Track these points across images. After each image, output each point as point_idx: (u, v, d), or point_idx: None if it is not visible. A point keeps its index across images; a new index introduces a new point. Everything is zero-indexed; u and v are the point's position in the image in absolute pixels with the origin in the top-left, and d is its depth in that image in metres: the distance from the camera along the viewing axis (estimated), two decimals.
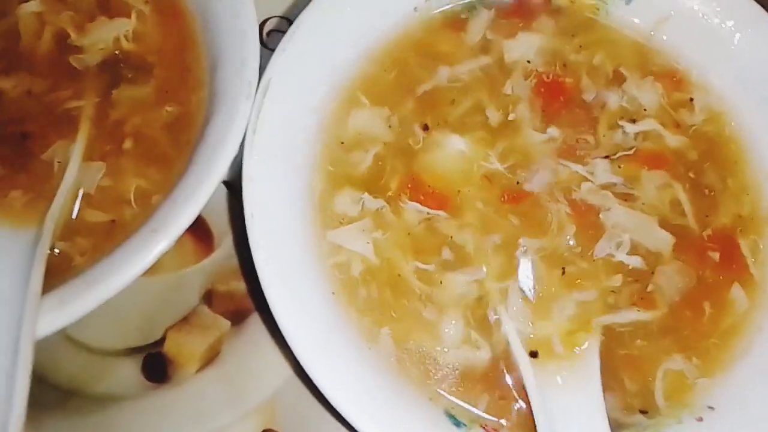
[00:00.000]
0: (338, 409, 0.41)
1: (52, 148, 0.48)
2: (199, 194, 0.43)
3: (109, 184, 0.48)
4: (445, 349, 0.46)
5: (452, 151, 0.49)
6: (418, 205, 0.48)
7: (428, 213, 0.48)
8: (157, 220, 0.43)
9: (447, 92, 0.52)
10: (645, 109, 0.52)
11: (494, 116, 0.51)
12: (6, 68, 0.50)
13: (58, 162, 0.48)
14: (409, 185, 0.48)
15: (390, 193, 0.48)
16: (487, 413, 0.44)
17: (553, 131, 0.50)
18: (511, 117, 0.51)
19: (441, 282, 0.47)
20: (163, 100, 0.50)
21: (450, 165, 0.49)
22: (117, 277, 0.41)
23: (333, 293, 0.46)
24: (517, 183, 0.49)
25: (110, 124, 0.49)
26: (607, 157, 0.50)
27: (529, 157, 0.50)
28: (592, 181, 0.49)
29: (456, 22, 0.54)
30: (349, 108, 0.51)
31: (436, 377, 0.46)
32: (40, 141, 0.48)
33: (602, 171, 0.49)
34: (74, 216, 0.47)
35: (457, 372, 0.45)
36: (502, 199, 0.48)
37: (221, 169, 0.44)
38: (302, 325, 0.43)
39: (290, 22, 0.60)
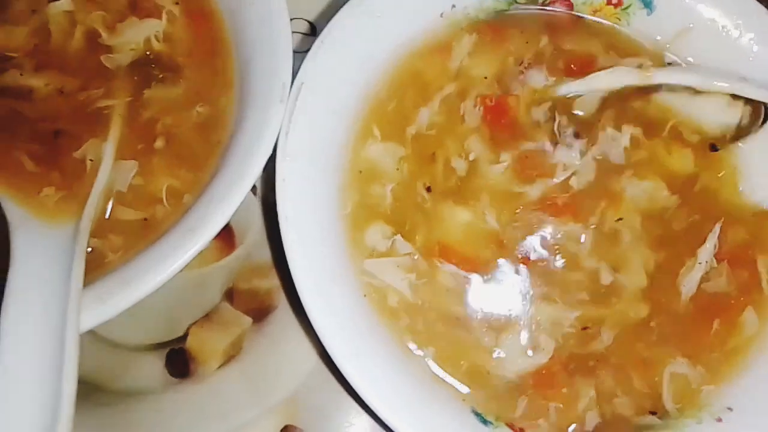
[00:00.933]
0: (367, 403, 0.42)
1: (85, 146, 0.49)
2: (234, 194, 0.44)
3: (141, 183, 0.49)
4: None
5: (461, 222, 0.50)
6: (455, 267, 0.49)
7: (465, 276, 0.49)
8: (193, 219, 0.44)
9: (427, 143, 0.52)
10: None
11: (460, 165, 0.52)
12: (37, 66, 0.51)
13: (91, 160, 0.48)
14: (437, 248, 0.49)
15: (418, 246, 0.49)
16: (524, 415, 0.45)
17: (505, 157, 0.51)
18: (471, 157, 0.52)
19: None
20: (193, 100, 0.51)
21: (465, 232, 0.50)
22: (154, 275, 0.42)
23: (365, 296, 0.47)
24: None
25: (142, 123, 0.50)
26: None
27: (503, 197, 0.51)
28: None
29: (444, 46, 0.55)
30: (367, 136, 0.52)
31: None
32: (72, 139, 0.49)
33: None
34: (107, 214, 0.47)
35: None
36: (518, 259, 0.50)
37: (256, 170, 0.44)
38: (334, 323, 0.44)
39: (311, 24, 0.62)
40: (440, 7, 0.54)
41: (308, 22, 0.62)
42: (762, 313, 0.49)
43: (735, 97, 0.51)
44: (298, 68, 0.49)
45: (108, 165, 0.48)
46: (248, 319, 0.56)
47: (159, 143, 0.50)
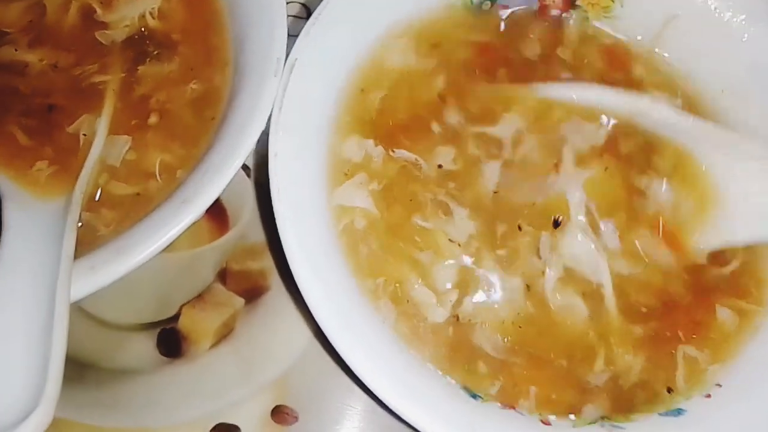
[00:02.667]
0: (361, 378, 0.42)
1: (78, 121, 0.49)
2: (227, 166, 0.44)
3: (134, 158, 0.48)
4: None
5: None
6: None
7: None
8: (186, 191, 0.44)
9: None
10: None
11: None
12: (32, 41, 0.51)
13: (84, 135, 0.48)
14: None
15: None
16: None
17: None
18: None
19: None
20: (188, 77, 0.51)
21: None
22: (147, 245, 0.42)
23: (346, 261, 0.47)
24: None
25: (135, 99, 0.50)
26: None
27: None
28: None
29: None
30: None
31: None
32: (66, 114, 0.49)
33: None
34: (99, 188, 0.47)
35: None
36: None
37: (249, 143, 0.44)
38: (325, 299, 0.43)
39: (305, 7, 0.62)
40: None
41: (301, 4, 0.63)
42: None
43: None
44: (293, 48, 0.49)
45: (101, 139, 0.48)
46: (240, 300, 0.55)
47: (153, 119, 0.50)
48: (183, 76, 0.51)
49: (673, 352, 0.48)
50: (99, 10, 0.51)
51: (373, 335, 0.45)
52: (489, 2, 0.56)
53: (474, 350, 0.47)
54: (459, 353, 0.47)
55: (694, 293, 0.49)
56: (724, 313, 0.49)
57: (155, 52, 0.51)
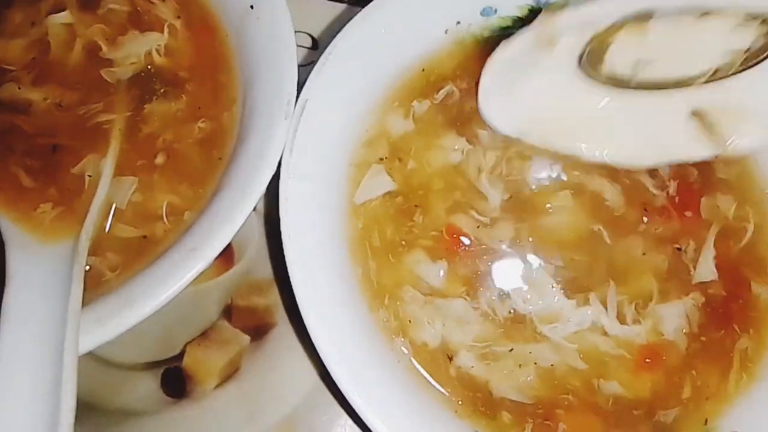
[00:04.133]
0: (368, 424, 0.41)
1: (83, 161, 0.48)
2: (237, 213, 0.43)
3: (141, 200, 0.48)
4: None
5: None
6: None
7: None
8: (194, 238, 0.43)
9: None
10: None
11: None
12: (36, 79, 0.50)
13: (89, 176, 0.48)
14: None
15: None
16: None
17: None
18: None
19: None
20: (195, 115, 0.50)
21: None
22: (155, 296, 0.41)
23: (367, 306, 0.47)
24: None
25: (142, 138, 0.49)
26: None
27: None
28: None
29: None
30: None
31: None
32: (70, 154, 0.48)
33: None
34: (106, 231, 0.46)
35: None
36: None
37: (260, 189, 0.44)
38: (336, 343, 0.43)
39: (312, 39, 0.61)
40: (445, 23, 0.54)
41: (310, 36, 0.62)
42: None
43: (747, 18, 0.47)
44: (303, 82, 0.48)
45: (107, 181, 0.47)
46: (246, 337, 0.55)
47: (159, 159, 0.49)
48: (190, 115, 0.50)
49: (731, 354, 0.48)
50: (104, 47, 0.51)
51: (386, 379, 0.44)
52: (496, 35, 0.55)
53: (495, 398, 0.46)
54: (478, 398, 0.46)
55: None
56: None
57: (162, 90, 0.50)
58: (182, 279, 0.41)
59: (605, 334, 0.48)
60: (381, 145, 0.51)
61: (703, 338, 0.48)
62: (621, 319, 0.48)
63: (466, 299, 0.48)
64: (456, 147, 0.51)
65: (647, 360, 0.48)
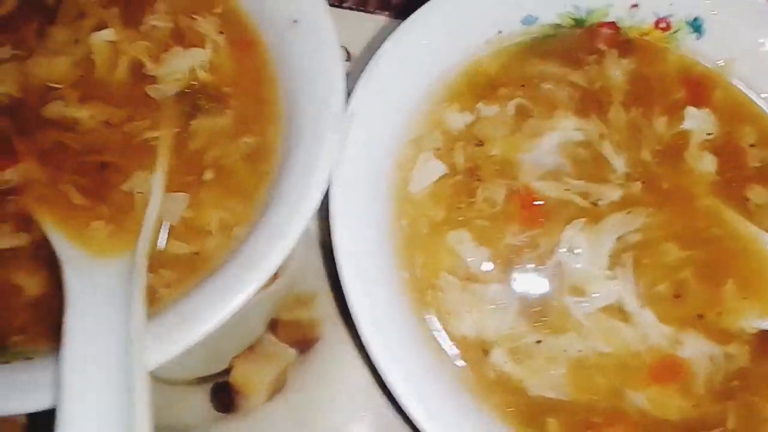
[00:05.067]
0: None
1: (132, 178, 0.48)
2: (291, 230, 0.43)
3: (191, 216, 0.48)
4: None
5: None
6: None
7: None
8: (250, 254, 0.43)
9: None
10: None
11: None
12: (82, 97, 0.50)
13: (139, 193, 0.47)
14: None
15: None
16: None
17: None
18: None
19: None
20: (240, 130, 0.50)
21: None
22: (216, 313, 0.41)
23: (424, 318, 0.46)
24: None
25: (189, 154, 0.49)
26: None
27: None
28: None
29: None
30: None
31: None
32: (119, 171, 0.48)
33: None
34: (159, 248, 0.46)
35: None
36: None
37: (312, 205, 0.44)
38: (391, 352, 0.43)
39: (345, 51, 0.61)
40: (486, 33, 0.53)
41: (344, 48, 0.62)
42: None
43: None
44: None
45: (158, 197, 0.47)
46: (293, 351, 0.55)
47: (207, 175, 0.49)
48: (236, 130, 0.50)
49: None
50: (149, 64, 0.51)
51: (440, 386, 0.44)
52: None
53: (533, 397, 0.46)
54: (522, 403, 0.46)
55: None
56: None
57: (207, 106, 0.51)
58: (241, 295, 0.41)
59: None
60: (432, 139, 0.52)
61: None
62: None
63: (501, 283, 0.49)
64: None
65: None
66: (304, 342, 0.55)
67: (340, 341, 0.56)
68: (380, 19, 0.61)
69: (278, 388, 0.54)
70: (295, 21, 0.50)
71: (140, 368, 0.37)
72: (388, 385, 0.42)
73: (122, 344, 0.38)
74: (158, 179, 0.48)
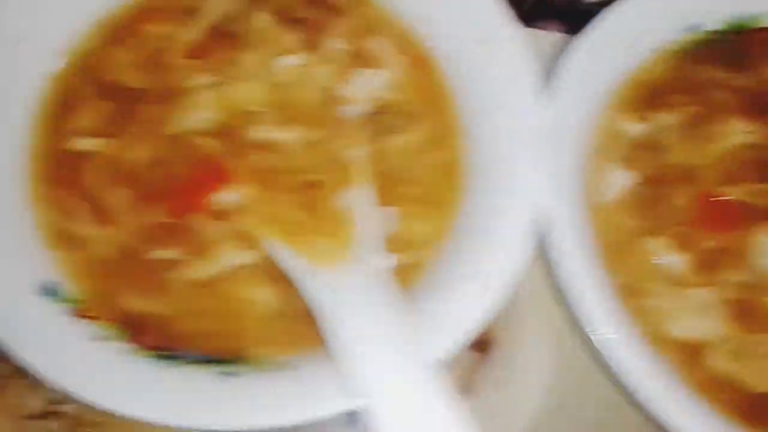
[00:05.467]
0: None
1: (340, 195, 0.50)
2: (518, 244, 0.46)
3: (399, 229, 0.50)
4: None
5: None
6: None
7: None
8: (479, 271, 0.46)
9: None
10: None
11: None
12: (281, 120, 0.52)
13: (348, 209, 0.50)
14: None
15: None
16: None
17: None
18: None
19: None
20: (431, 146, 0.53)
21: None
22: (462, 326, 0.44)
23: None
24: None
25: (386, 170, 0.52)
26: None
27: None
28: None
29: None
30: None
31: None
32: (326, 189, 0.51)
33: None
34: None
35: None
36: None
37: (523, 228, 0.47)
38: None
39: None
40: (651, 43, 0.56)
41: None
42: None
43: None
44: None
45: (368, 213, 0.49)
46: (473, 354, 0.57)
47: (406, 189, 0.51)
48: (426, 146, 0.52)
49: None
50: (336, 86, 0.53)
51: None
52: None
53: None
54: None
55: None
56: None
57: (396, 124, 0.53)
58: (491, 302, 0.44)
59: None
60: (614, 150, 0.54)
61: None
62: None
63: (707, 286, 0.50)
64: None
65: None
66: (481, 344, 0.57)
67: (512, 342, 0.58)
68: (541, 33, 0.64)
69: (459, 389, 0.56)
70: (482, 40, 0.52)
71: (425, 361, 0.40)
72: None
73: (402, 341, 0.42)
74: (365, 195, 0.50)
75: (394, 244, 0.50)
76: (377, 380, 0.40)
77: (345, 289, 0.45)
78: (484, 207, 0.49)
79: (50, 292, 0.45)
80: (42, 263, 0.46)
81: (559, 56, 0.53)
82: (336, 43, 0.55)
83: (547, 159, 0.50)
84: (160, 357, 0.44)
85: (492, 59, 0.52)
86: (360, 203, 0.50)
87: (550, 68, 0.53)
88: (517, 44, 0.51)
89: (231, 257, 0.48)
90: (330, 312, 0.43)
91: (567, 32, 0.62)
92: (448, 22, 0.54)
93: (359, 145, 0.52)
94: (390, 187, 0.51)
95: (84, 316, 0.45)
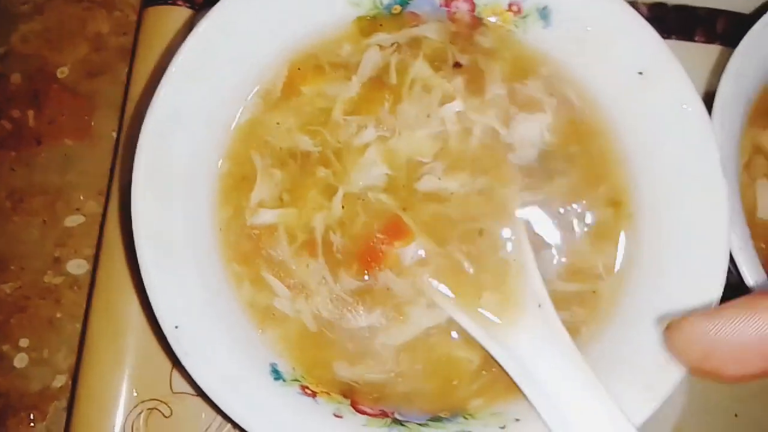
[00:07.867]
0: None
1: (507, 244, 0.53)
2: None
3: (571, 261, 0.53)
4: None
5: None
6: None
7: None
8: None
9: None
10: None
11: None
12: (447, 168, 0.54)
13: (514, 260, 0.52)
14: None
15: None
16: None
17: None
18: None
19: None
20: (592, 184, 0.54)
21: None
22: None
23: None
24: None
25: (553, 213, 0.54)
26: None
27: None
28: None
29: None
30: None
31: None
32: (495, 238, 0.53)
33: None
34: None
35: None
36: None
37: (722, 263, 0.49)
38: None
39: None
40: None
41: None
42: None
43: None
44: None
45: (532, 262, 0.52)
46: None
47: (577, 227, 0.53)
48: (589, 184, 0.54)
49: None
50: (501, 131, 0.54)
51: None
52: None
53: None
54: None
55: None
56: None
57: (558, 167, 0.54)
58: None
59: None
60: (760, 165, 0.57)
61: None
62: None
63: None
64: None
65: None
66: None
67: None
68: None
69: None
70: (640, 73, 0.53)
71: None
72: None
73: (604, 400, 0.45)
74: (525, 242, 0.52)
75: (572, 273, 0.53)
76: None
77: (525, 345, 0.48)
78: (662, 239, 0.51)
79: (278, 373, 0.46)
80: (263, 344, 0.47)
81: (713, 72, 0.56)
82: (496, 88, 0.55)
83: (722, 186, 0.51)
84: (394, 422, 0.46)
85: (653, 93, 0.53)
86: (525, 252, 0.52)
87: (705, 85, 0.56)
88: (681, 75, 0.52)
89: (422, 317, 0.50)
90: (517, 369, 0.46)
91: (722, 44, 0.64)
92: (606, 59, 0.54)
93: (526, 191, 0.53)
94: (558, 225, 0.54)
95: (312, 393, 0.47)
